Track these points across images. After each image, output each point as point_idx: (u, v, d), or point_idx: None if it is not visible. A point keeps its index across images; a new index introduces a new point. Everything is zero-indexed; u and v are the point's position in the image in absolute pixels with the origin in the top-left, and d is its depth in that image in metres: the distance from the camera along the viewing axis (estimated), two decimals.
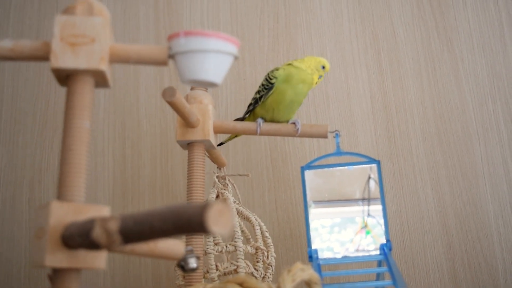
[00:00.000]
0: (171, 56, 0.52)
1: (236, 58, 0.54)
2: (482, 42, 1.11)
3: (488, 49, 1.11)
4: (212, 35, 0.51)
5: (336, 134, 0.87)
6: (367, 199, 0.84)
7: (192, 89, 0.81)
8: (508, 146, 1.05)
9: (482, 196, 1.03)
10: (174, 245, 0.52)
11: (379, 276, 0.83)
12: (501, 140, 1.05)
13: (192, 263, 0.54)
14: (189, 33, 0.51)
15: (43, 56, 0.51)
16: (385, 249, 0.79)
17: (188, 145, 0.79)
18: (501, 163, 1.04)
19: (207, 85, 0.54)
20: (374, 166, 0.85)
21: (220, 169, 0.89)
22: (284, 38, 1.15)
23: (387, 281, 0.73)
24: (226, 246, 0.79)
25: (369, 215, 0.83)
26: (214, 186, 0.86)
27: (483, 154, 1.05)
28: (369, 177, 0.85)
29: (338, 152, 0.86)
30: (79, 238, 0.43)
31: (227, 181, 0.88)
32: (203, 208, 0.35)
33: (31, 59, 0.51)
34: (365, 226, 0.83)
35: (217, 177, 0.88)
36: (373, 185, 0.84)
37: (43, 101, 1.16)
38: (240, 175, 0.92)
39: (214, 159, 0.87)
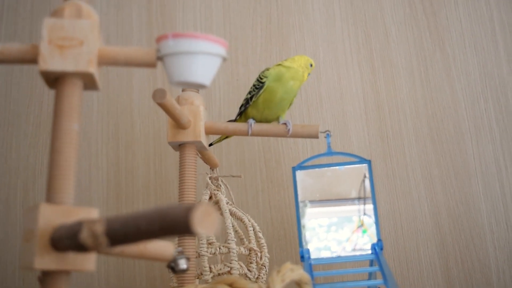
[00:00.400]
0: (160, 58, 0.53)
1: (224, 59, 0.54)
2: (473, 41, 1.12)
3: (479, 48, 1.11)
4: (201, 37, 0.52)
5: (327, 134, 0.87)
6: (362, 198, 0.84)
7: (183, 90, 0.82)
8: (500, 144, 1.05)
9: (475, 195, 1.03)
10: (164, 247, 0.53)
11: (371, 276, 0.83)
12: (493, 139, 1.06)
13: (182, 264, 0.54)
14: (177, 35, 0.52)
15: (32, 58, 0.51)
16: (376, 248, 0.79)
17: (180, 147, 0.79)
18: (493, 161, 1.04)
19: (196, 86, 0.54)
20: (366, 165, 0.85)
21: (213, 170, 0.89)
22: (277, 38, 1.15)
23: (378, 280, 0.74)
24: (220, 248, 0.79)
25: (365, 214, 0.84)
26: (207, 187, 0.86)
27: (475, 153, 1.05)
28: (365, 177, 0.85)
29: (329, 152, 0.86)
30: (67, 240, 0.43)
31: (220, 182, 0.88)
32: (189, 209, 0.35)
33: (20, 62, 0.51)
34: (362, 225, 0.83)
35: (210, 178, 0.88)
36: (368, 184, 0.84)
37: (37, 103, 1.16)
38: (233, 176, 0.92)
39: (206, 160, 0.87)
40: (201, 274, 0.78)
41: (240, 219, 0.85)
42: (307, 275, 0.54)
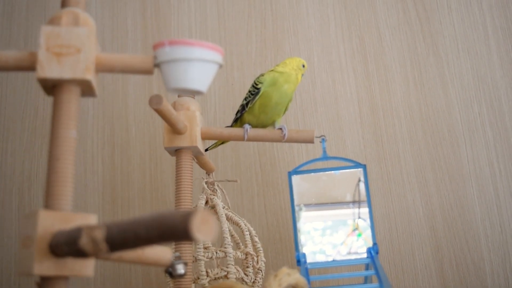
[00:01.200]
0: (157, 65, 0.53)
1: (220, 66, 0.54)
2: (467, 45, 1.12)
3: (473, 53, 1.12)
4: (197, 44, 0.52)
5: (323, 139, 0.88)
6: (357, 202, 0.85)
7: (179, 96, 0.82)
8: (494, 148, 1.06)
9: (469, 198, 1.04)
10: (161, 252, 0.53)
11: (367, 279, 0.84)
12: (487, 142, 1.06)
13: (180, 269, 0.55)
14: (173, 42, 0.52)
15: (29, 66, 0.51)
16: (372, 252, 0.80)
17: (176, 152, 0.79)
18: (487, 165, 1.05)
19: (192, 93, 0.54)
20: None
21: (209, 174, 0.90)
22: (272, 43, 1.16)
23: (374, 284, 0.74)
24: (216, 252, 0.80)
25: (359, 217, 0.84)
26: (203, 192, 0.87)
27: (469, 157, 1.06)
28: (359, 180, 0.85)
29: (324, 157, 0.87)
30: (66, 246, 0.43)
31: (216, 187, 0.89)
32: (187, 216, 0.35)
33: (17, 69, 0.52)
34: (356, 228, 0.84)
35: (206, 182, 0.88)
36: (363, 187, 0.85)
37: (32, 108, 1.16)
38: (229, 181, 0.93)
39: (202, 165, 0.87)
40: (198, 278, 0.78)
41: (236, 224, 0.85)
42: (304, 279, 0.55)
